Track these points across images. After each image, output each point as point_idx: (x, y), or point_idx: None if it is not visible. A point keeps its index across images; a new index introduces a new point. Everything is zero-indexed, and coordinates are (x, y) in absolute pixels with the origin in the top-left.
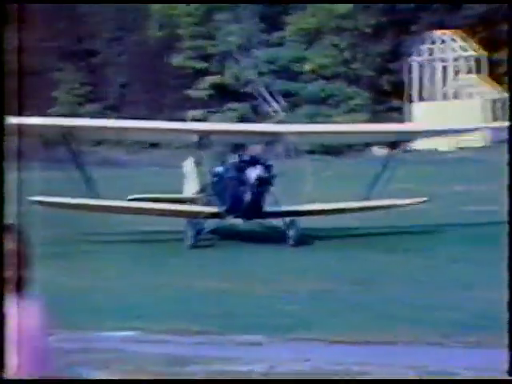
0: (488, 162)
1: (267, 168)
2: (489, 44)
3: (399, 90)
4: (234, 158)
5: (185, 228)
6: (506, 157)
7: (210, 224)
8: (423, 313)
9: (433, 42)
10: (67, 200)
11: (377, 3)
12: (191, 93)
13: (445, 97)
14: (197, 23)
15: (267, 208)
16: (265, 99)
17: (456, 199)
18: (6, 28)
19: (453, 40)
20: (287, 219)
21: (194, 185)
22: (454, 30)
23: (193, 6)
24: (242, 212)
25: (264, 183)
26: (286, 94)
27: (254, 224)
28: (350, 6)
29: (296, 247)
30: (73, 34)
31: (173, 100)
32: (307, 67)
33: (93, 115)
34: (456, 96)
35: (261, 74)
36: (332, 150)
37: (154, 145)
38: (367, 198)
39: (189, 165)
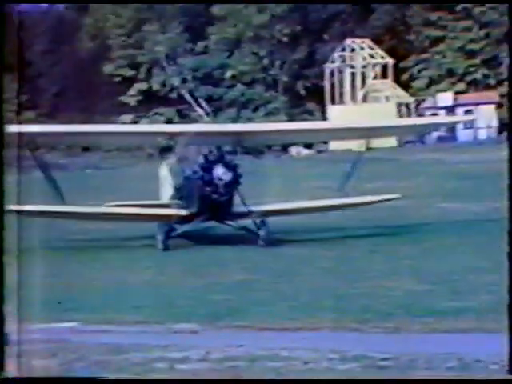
0: (399, 160)
1: (232, 167)
2: (395, 52)
3: (313, 94)
4: (200, 159)
5: (156, 232)
6: (415, 156)
7: (181, 227)
8: (345, 301)
9: (344, 49)
10: (43, 208)
11: (370, 3)
12: (122, 99)
13: (356, 100)
14: (126, 34)
15: (236, 209)
16: (190, 104)
17: (370, 194)
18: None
19: (361, 48)
20: (257, 220)
21: (169, 189)
22: (362, 39)
23: (124, 18)
24: (211, 213)
25: (229, 183)
26: (209, 99)
27: (225, 226)
28: (268, 16)
29: (264, 247)
30: (8, 44)
31: (105, 106)
32: (229, 74)
33: (29, 122)
34: (365, 99)
35: (185, 80)
36: (253, 150)
37: (85, 149)
38: (340, 196)
39: (164, 169)
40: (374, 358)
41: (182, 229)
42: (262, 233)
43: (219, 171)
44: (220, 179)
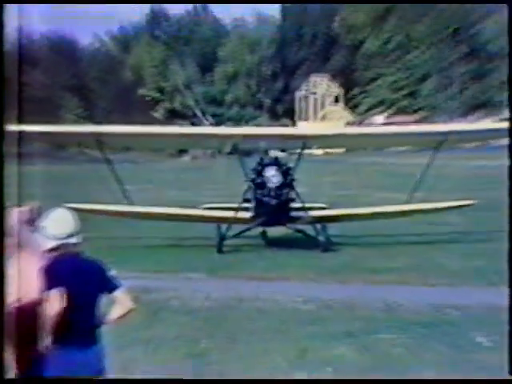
0: (347, 162)
1: (285, 171)
2: (345, 85)
3: (287, 113)
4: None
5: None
6: (358, 159)
7: (237, 230)
8: (307, 260)
9: (309, 83)
10: (112, 207)
11: (374, 3)
12: (152, 114)
13: (317, 118)
14: (156, 68)
15: (294, 213)
16: (200, 118)
17: (328, 186)
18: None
19: (322, 82)
20: (318, 225)
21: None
22: (322, 76)
23: (154, 57)
24: (267, 217)
25: (281, 186)
26: (214, 115)
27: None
28: (257, 58)
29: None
30: (74, 73)
31: (140, 119)
32: (228, 98)
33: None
34: (324, 118)
35: (197, 102)
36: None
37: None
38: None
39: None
40: (326, 300)
41: (236, 231)
42: (321, 238)
43: (269, 174)
44: (271, 182)
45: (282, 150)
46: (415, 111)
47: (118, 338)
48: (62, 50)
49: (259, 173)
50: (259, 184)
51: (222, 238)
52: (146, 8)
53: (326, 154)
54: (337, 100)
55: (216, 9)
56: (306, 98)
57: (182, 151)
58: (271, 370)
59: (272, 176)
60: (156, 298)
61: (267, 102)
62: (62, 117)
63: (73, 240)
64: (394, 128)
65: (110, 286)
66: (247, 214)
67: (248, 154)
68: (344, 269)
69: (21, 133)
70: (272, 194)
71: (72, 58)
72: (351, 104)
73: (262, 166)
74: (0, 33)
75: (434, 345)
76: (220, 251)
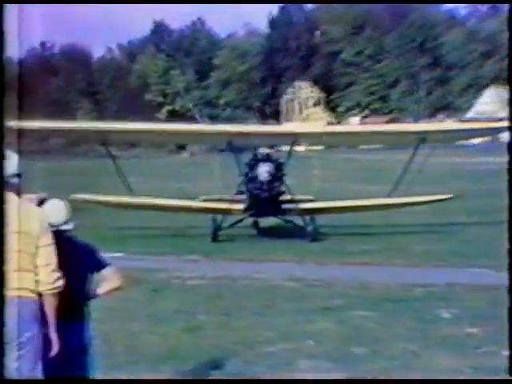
0: (327, 158)
1: (277, 166)
2: (325, 90)
3: (275, 115)
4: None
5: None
6: (335, 156)
7: (230, 220)
8: (291, 245)
9: (294, 87)
10: (113, 198)
11: (375, 3)
12: (157, 115)
13: (300, 119)
14: (159, 75)
15: (284, 205)
16: (197, 119)
17: (311, 179)
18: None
19: (305, 86)
20: (306, 216)
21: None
22: (305, 82)
23: (158, 66)
24: (258, 209)
25: (272, 180)
26: (210, 117)
27: (274, 220)
28: (247, 66)
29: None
30: (89, 81)
31: (146, 120)
32: (222, 101)
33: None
34: (307, 119)
35: (195, 105)
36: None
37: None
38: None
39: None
40: (307, 279)
41: (230, 222)
42: (309, 228)
43: (262, 169)
44: (263, 176)
45: (269, 148)
46: (386, 113)
47: (123, 312)
48: (79, 60)
49: (253, 167)
50: (253, 178)
51: (217, 228)
52: (150, 24)
53: (308, 151)
54: (318, 103)
55: (211, 23)
56: (291, 101)
57: (181, 148)
58: (260, 342)
59: (265, 171)
60: (157, 276)
61: (256, 104)
62: (78, 118)
63: (66, 227)
64: (384, 126)
65: (99, 265)
66: (241, 206)
67: (240, 150)
68: (324, 252)
69: (32, 130)
70: (264, 187)
71: (87, 68)
72: (330, 106)
73: (256, 161)
74: (0, 33)
75: (402, 319)
76: (214, 240)
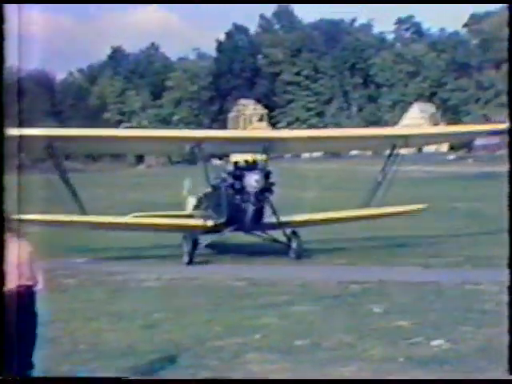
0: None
1: (265, 174)
2: (267, 107)
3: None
4: (230, 167)
5: (181, 243)
6: (281, 165)
7: (207, 238)
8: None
9: (239, 105)
10: (64, 217)
11: (374, 3)
12: None
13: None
14: (117, 95)
15: (267, 219)
16: None
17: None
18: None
19: (249, 104)
20: (288, 231)
21: (193, 200)
22: (250, 100)
23: (115, 87)
24: (240, 223)
25: (262, 191)
26: None
27: (254, 236)
28: (196, 87)
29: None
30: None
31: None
32: (175, 118)
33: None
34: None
35: (150, 122)
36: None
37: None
38: (368, 206)
39: (187, 183)
40: (254, 279)
41: (208, 239)
42: (293, 245)
43: (252, 179)
44: (252, 187)
45: (219, 158)
46: (323, 127)
47: (86, 311)
48: (44, 83)
49: (237, 177)
50: (238, 189)
51: (194, 248)
52: (107, 49)
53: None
54: (261, 119)
55: (164, 48)
56: (237, 117)
57: (139, 161)
58: (212, 337)
59: (254, 181)
60: (116, 278)
61: (206, 121)
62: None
63: None
64: (366, 130)
65: None
66: (212, 222)
67: (192, 162)
68: (271, 253)
69: None
70: (252, 199)
71: (51, 90)
72: (272, 122)
73: (241, 169)
74: (0, 33)
75: (339, 313)
76: (191, 262)
